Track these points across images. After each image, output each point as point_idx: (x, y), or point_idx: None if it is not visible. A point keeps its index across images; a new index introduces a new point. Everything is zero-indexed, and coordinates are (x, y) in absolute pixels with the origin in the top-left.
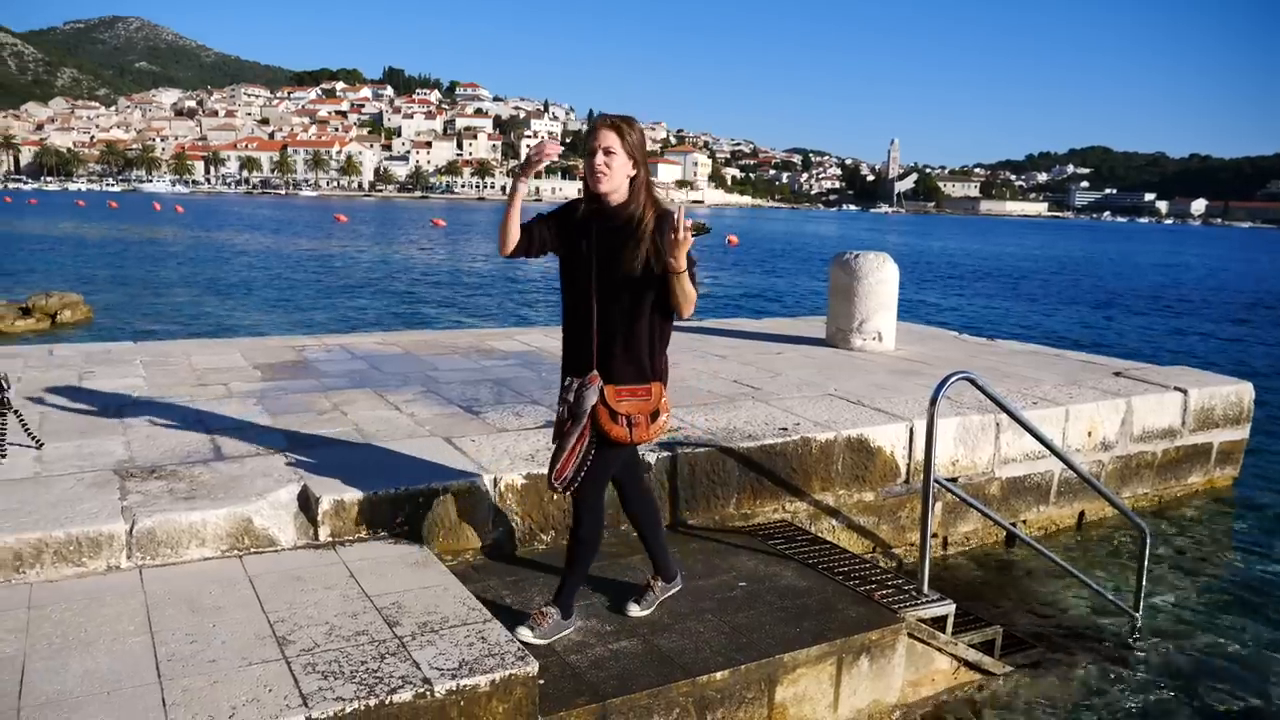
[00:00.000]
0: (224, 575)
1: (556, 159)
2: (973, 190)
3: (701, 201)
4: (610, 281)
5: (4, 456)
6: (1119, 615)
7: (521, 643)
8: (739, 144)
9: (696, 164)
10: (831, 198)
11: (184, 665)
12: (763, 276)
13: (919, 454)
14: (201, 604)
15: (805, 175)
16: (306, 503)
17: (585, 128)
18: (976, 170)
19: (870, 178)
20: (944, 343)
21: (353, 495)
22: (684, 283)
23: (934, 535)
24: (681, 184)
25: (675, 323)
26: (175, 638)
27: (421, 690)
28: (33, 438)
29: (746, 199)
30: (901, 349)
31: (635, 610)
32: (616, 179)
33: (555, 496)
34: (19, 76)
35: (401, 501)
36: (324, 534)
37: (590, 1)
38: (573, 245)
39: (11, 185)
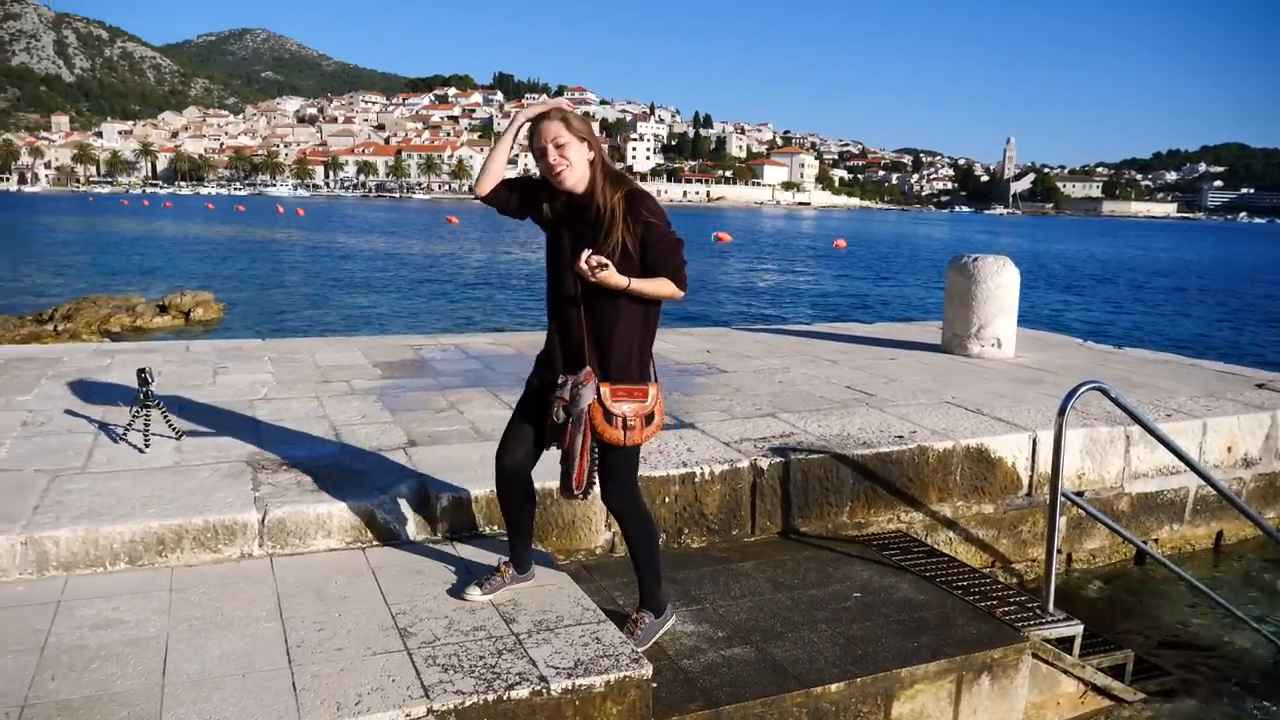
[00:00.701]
0: (348, 566)
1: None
2: (1094, 190)
3: (808, 203)
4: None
5: (148, 446)
6: (1262, 644)
7: None
8: (847, 145)
9: (803, 165)
10: (943, 199)
11: (312, 652)
12: (871, 280)
13: (1042, 466)
14: (328, 593)
15: (916, 176)
16: (426, 499)
17: (539, 124)
18: (1099, 170)
19: (984, 178)
20: (1067, 350)
21: (470, 493)
22: (643, 288)
23: (1058, 551)
24: (788, 186)
25: (785, 327)
26: (304, 625)
27: (538, 688)
28: (173, 429)
29: (854, 200)
30: (1022, 356)
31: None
32: (579, 169)
33: (668, 499)
34: (157, 88)
35: None
36: (442, 529)
37: (697, 4)
38: (553, 237)
39: (149, 190)
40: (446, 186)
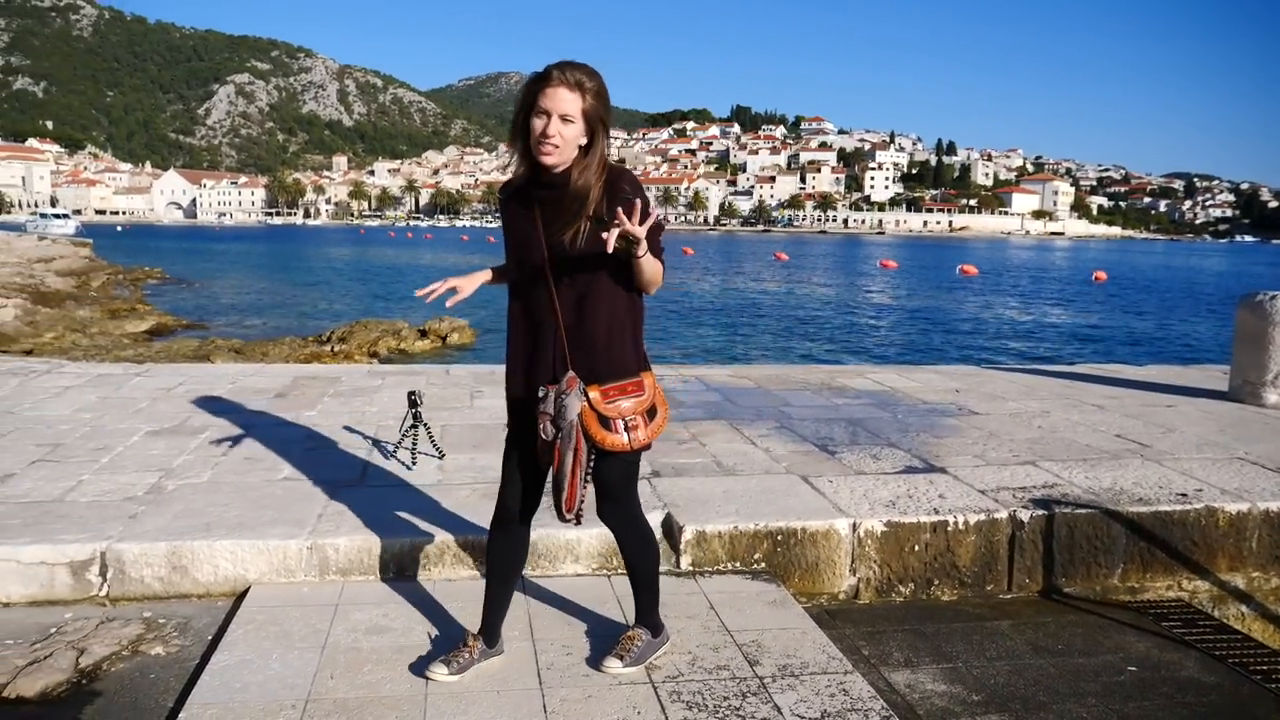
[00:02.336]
0: (595, 593)
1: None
2: None
3: (1061, 233)
4: (567, 263)
5: (415, 464)
6: None
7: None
8: (1107, 170)
9: (1057, 193)
10: (1220, 227)
11: (561, 675)
12: (1138, 317)
13: None
14: (575, 618)
15: (1188, 203)
16: (670, 531)
17: (548, 84)
18: None
19: (1272, 203)
20: None
21: (713, 528)
22: (648, 261)
23: None
24: (1039, 215)
25: (1042, 367)
26: (554, 647)
27: None
28: (437, 449)
29: (1115, 230)
30: None
31: (616, 666)
32: (568, 151)
33: (917, 548)
34: (421, 129)
35: (760, 538)
36: (685, 563)
37: (939, 31)
38: (516, 227)
39: (412, 222)
40: (682, 218)
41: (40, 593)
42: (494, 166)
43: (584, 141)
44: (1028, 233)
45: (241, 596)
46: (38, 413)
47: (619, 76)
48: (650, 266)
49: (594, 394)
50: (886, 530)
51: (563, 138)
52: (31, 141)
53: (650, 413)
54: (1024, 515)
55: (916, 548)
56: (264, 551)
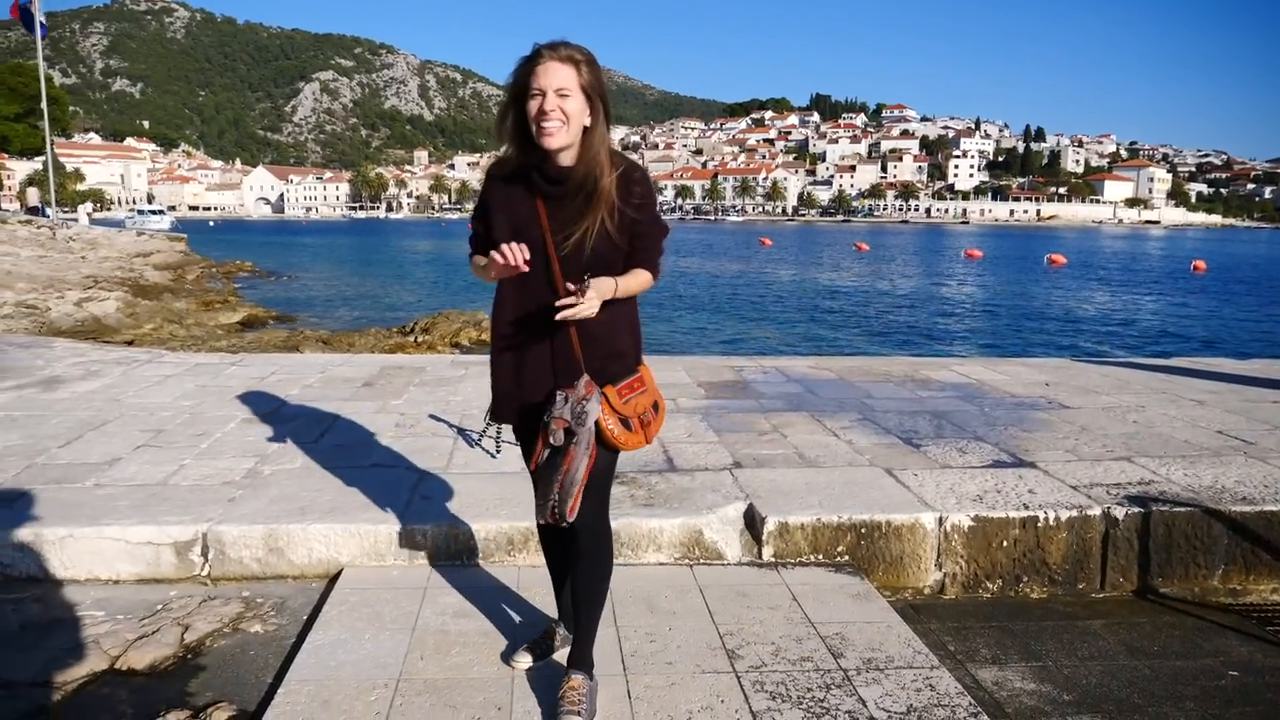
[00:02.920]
0: (676, 582)
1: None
2: None
3: (1157, 221)
4: (576, 264)
5: (499, 452)
6: None
7: None
8: (1207, 155)
9: (1152, 180)
10: None
11: (644, 662)
12: (1240, 309)
13: None
14: (658, 606)
15: None
16: (752, 521)
17: (539, 62)
18: None
19: None
20: None
21: (796, 519)
22: (625, 288)
23: None
24: (1132, 202)
25: (1136, 360)
26: (637, 634)
27: None
28: None
29: (1215, 218)
30: None
31: None
32: (573, 131)
33: (1005, 543)
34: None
35: (843, 531)
36: (767, 554)
37: (1028, 14)
38: (515, 217)
39: None
40: (760, 208)
41: (147, 571)
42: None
43: (587, 121)
44: (1120, 221)
45: (334, 579)
46: (141, 400)
47: (698, 67)
48: (634, 287)
49: (611, 395)
50: (974, 525)
51: (563, 113)
52: (129, 141)
53: (655, 406)
54: (1119, 512)
55: (1005, 543)
56: (355, 535)
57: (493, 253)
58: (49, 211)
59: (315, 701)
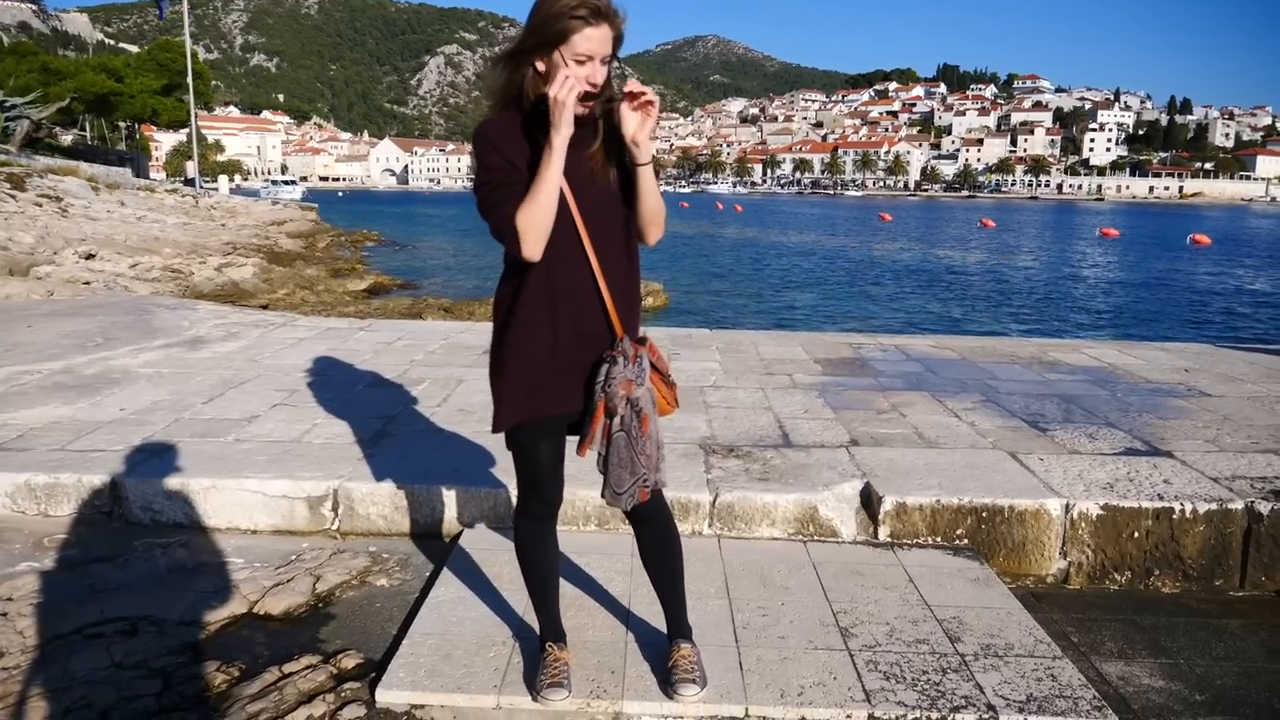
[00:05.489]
0: (790, 557)
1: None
2: None
3: None
4: (595, 207)
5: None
6: None
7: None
8: None
9: None
10: None
11: (756, 635)
12: None
13: None
14: (771, 580)
15: None
16: (869, 500)
17: (588, 24)
18: None
19: None
20: None
21: (914, 500)
22: (652, 179)
23: None
24: None
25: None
26: (749, 608)
27: (986, 716)
28: None
29: None
30: None
31: (694, 691)
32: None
33: (1137, 534)
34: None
35: (964, 514)
36: (883, 534)
37: None
38: (527, 169)
39: None
40: (881, 183)
41: (282, 523)
42: (689, 131)
43: None
44: (1274, 200)
45: (456, 538)
46: (277, 361)
47: (820, 38)
48: (654, 185)
49: (651, 354)
50: (1103, 514)
51: (600, 82)
52: (265, 113)
53: None
54: (1263, 508)
55: (1136, 534)
56: (476, 498)
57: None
58: (202, 183)
59: (437, 654)
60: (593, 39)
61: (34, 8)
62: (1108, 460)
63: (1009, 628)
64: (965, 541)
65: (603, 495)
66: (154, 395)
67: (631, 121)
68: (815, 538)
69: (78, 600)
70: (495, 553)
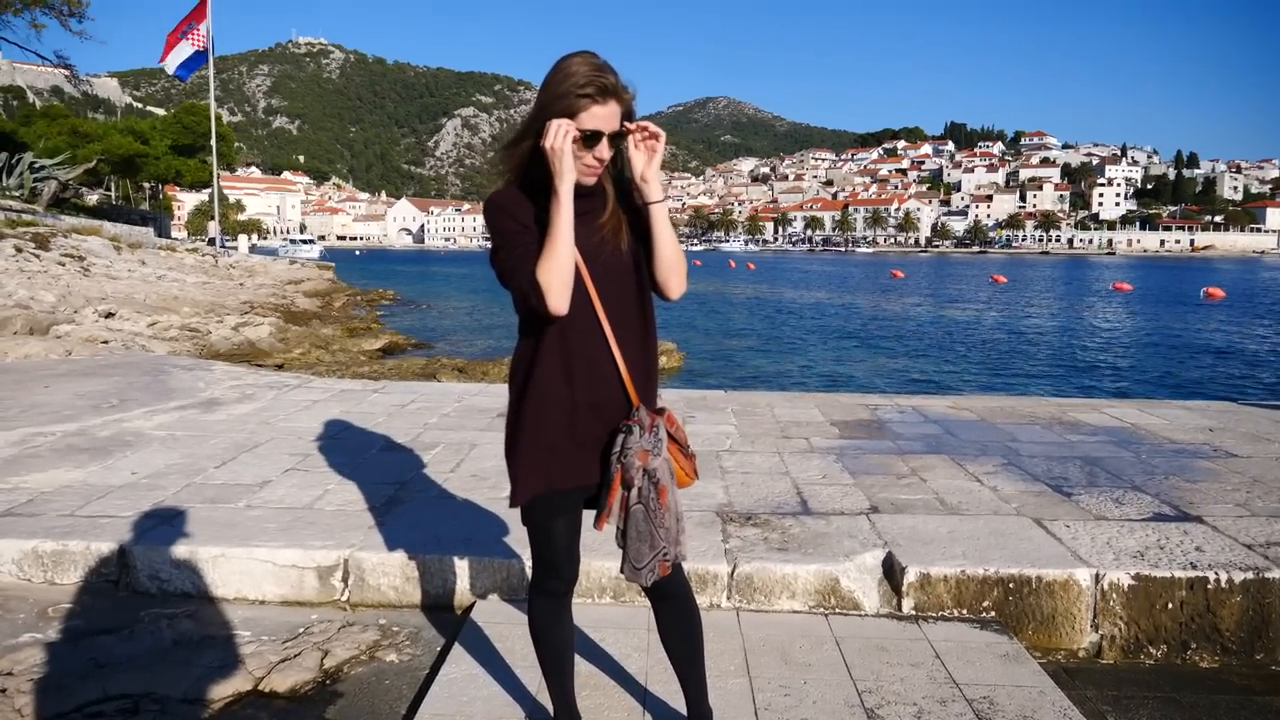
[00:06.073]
0: (811, 631)
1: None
2: None
3: None
4: (608, 275)
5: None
6: None
7: None
8: None
9: None
10: None
11: (778, 716)
12: None
13: None
14: (793, 657)
15: None
16: (891, 571)
17: (595, 102)
18: None
19: None
20: None
21: (939, 570)
22: (666, 221)
23: None
24: None
25: None
26: (770, 686)
27: None
28: None
29: None
30: None
31: None
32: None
33: (1170, 605)
34: None
35: (990, 584)
36: (907, 606)
37: (1175, 35)
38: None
39: None
40: (892, 240)
41: (291, 593)
42: (700, 190)
43: None
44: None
45: (468, 610)
46: (290, 424)
47: (829, 98)
48: (670, 229)
49: (669, 424)
50: (1134, 584)
51: (607, 158)
52: (285, 174)
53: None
54: None
55: (1170, 605)
56: (489, 568)
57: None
58: (225, 242)
59: None
60: (599, 117)
61: (66, 73)
62: (1136, 526)
63: (1042, 708)
64: (992, 614)
65: (621, 571)
66: (166, 459)
67: (638, 160)
68: (837, 610)
69: (80, 675)
70: (508, 626)
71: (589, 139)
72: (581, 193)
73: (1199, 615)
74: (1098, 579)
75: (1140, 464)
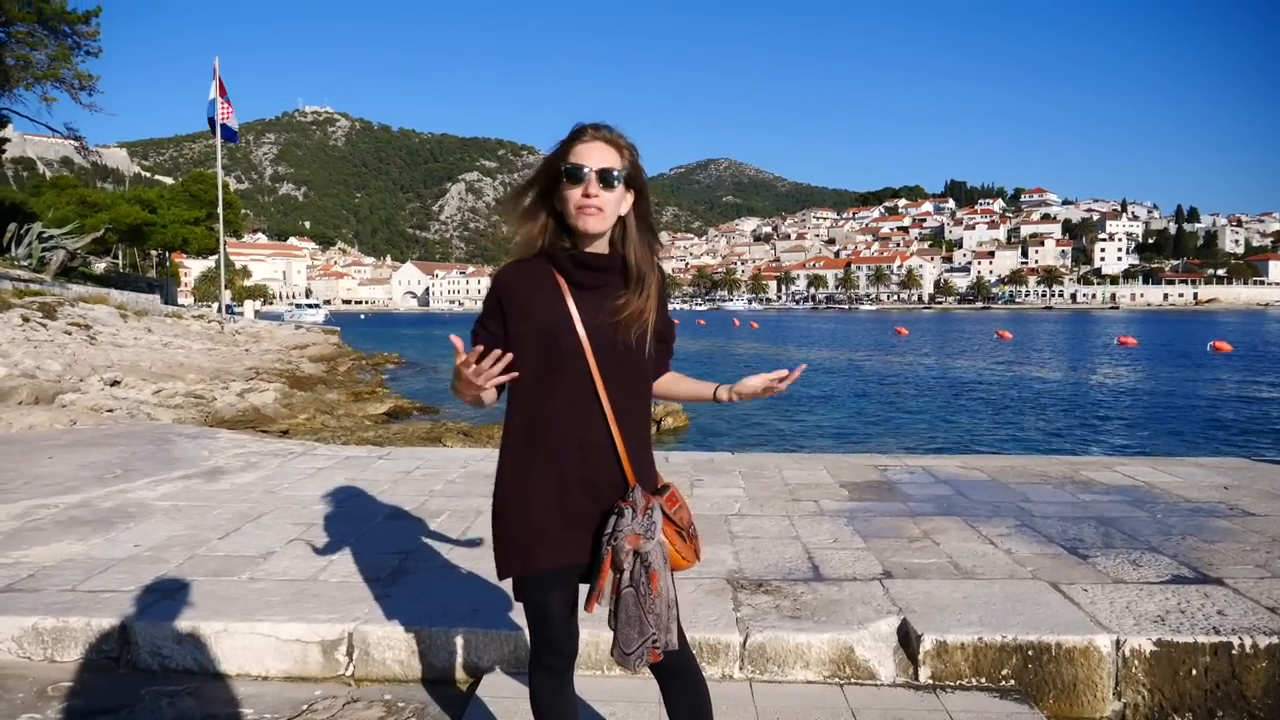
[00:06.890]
0: (826, 702)
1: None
2: None
3: None
4: (615, 364)
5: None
6: None
7: None
8: None
9: None
10: None
11: None
12: None
13: None
14: None
15: None
16: (907, 639)
17: (581, 140)
18: None
19: None
20: None
21: (955, 638)
22: (708, 395)
23: None
24: None
25: None
26: None
27: None
28: None
29: None
30: None
31: None
32: (610, 217)
33: (1195, 672)
34: None
35: (1008, 652)
36: (924, 675)
37: (1172, 90)
38: (546, 314)
39: None
40: (895, 297)
41: (294, 669)
42: (703, 250)
43: (623, 210)
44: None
45: (475, 684)
46: (295, 493)
47: (829, 158)
48: (703, 395)
49: (667, 506)
50: (1157, 650)
51: (604, 199)
52: (291, 239)
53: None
54: None
55: (1194, 672)
56: (495, 640)
57: (468, 355)
58: (232, 308)
59: None
60: (586, 153)
61: (76, 144)
62: (1155, 590)
63: None
64: (1012, 682)
65: (611, 654)
66: (169, 530)
67: (757, 387)
68: (852, 680)
69: None
70: (515, 701)
71: (570, 172)
72: (594, 264)
73: (1224, 682)
74: (1119, 645)
75: (1156, 524)
